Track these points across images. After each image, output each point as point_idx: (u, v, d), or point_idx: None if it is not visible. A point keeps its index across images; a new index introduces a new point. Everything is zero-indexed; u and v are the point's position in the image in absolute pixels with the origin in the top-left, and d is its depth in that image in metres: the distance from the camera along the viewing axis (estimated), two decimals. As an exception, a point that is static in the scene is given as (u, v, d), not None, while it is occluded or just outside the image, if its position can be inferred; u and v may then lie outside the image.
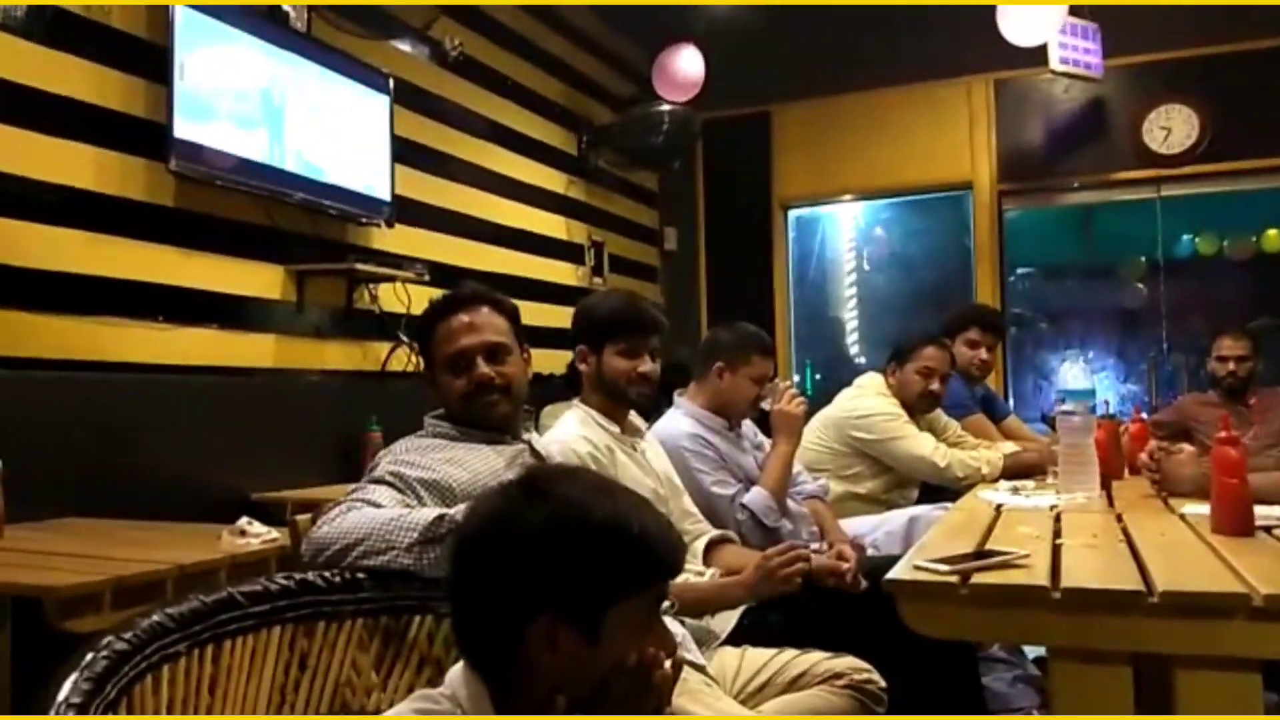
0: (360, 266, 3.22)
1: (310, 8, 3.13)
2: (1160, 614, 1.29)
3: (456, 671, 0.96)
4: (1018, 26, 4.06)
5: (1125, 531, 1.82)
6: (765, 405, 2.72)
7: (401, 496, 1.49)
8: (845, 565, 2.17)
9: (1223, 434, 1.76)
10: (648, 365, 2.13)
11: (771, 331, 5.51)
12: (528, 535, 0.93)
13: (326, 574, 1.35)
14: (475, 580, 0.95)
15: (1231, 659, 1.29)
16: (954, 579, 1.40)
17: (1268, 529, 1.75)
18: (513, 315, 1.74)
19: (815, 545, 2.71)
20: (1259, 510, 1.78)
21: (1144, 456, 2.41)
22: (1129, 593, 1.31)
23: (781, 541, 2.60)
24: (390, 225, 3.42)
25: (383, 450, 1.61)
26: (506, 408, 1.67)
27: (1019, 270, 5.87)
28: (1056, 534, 1.81)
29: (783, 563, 2.03)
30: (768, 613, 2.14)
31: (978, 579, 1.40)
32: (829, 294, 6.18)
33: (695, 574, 2.10)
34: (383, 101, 3.40)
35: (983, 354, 3.58)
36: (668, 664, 0.96)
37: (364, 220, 3.35)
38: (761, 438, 2.87)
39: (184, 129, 2.64)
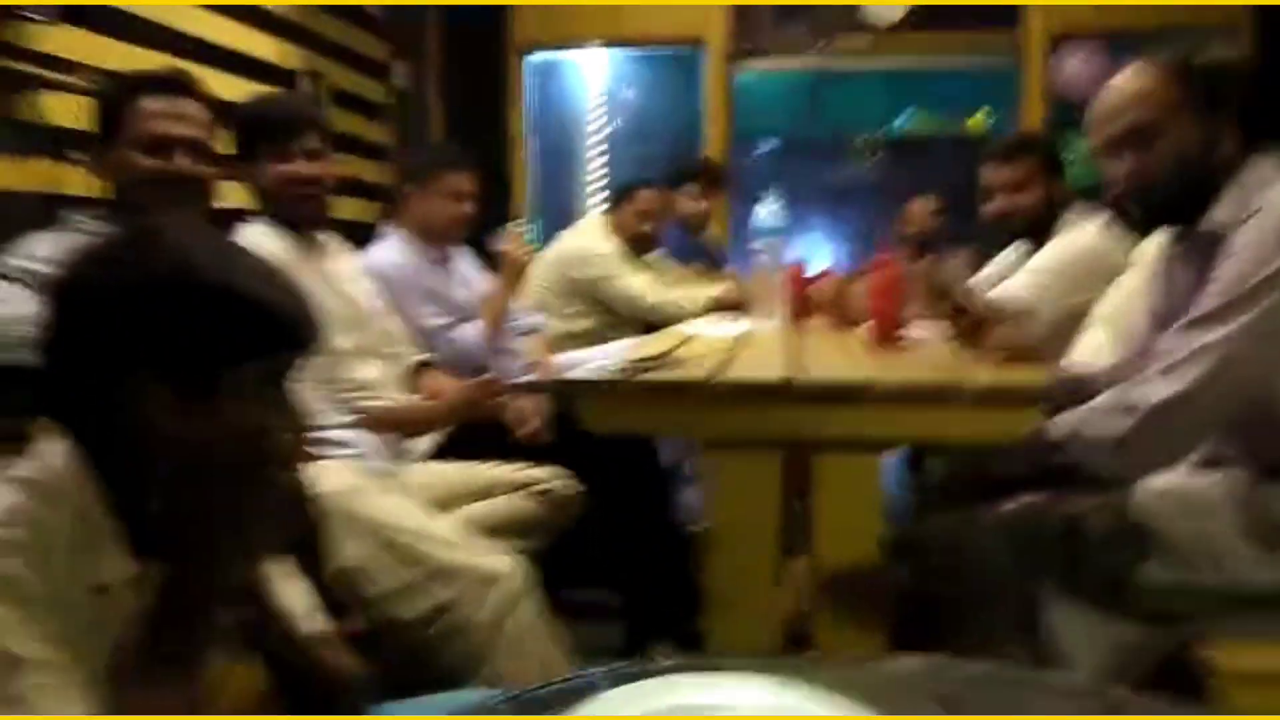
0: (17, 67, 2.79)
1: None
2: (799, 403, 1.42)
3: (47, 441, 0.88)
4: None
5: (794, 347, 1.97)
6: (493, 245, 2.69)
7: (26, 292, 1.34)
8: (532, 422, 2.23)
9: (878, 257, 1.93)
10: (310, 169, 1.92)
11: (508, 184, 5.42)
12: (122, 283, 0.85)
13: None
14: (64, 334, 0.86)
15: (858, 441, 1.45)
16: (621, 376, 1.46)
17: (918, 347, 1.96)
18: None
19: (525, 378, 2.76)
20: (917, 332, 1.98)
21: (823, 290, 2.60)
22: (773, 383, 1.43)
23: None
24: (56, 23, 2.98)
25: (17, 245, 1.43)
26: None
27: (752, 145, 6.08)
28: (732, 350, 1.94)
29: (486, 393, 2.04)
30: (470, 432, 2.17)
31: (644, 377, 1.47)
32: (570, 150, 6.14)
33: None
34: (42, -125, 2.90)
35: (701, 206, 3.71)
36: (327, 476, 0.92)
37: (23, 14, 2.89)
38: (476, 273, 2.84)
39: None
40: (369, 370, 2.02)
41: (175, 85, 1.54)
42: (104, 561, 0.85)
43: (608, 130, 6.18)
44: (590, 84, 6.13)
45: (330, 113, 4.57)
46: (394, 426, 1.99)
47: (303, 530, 0.94)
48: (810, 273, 2.99)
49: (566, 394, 1.51)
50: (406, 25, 5.29)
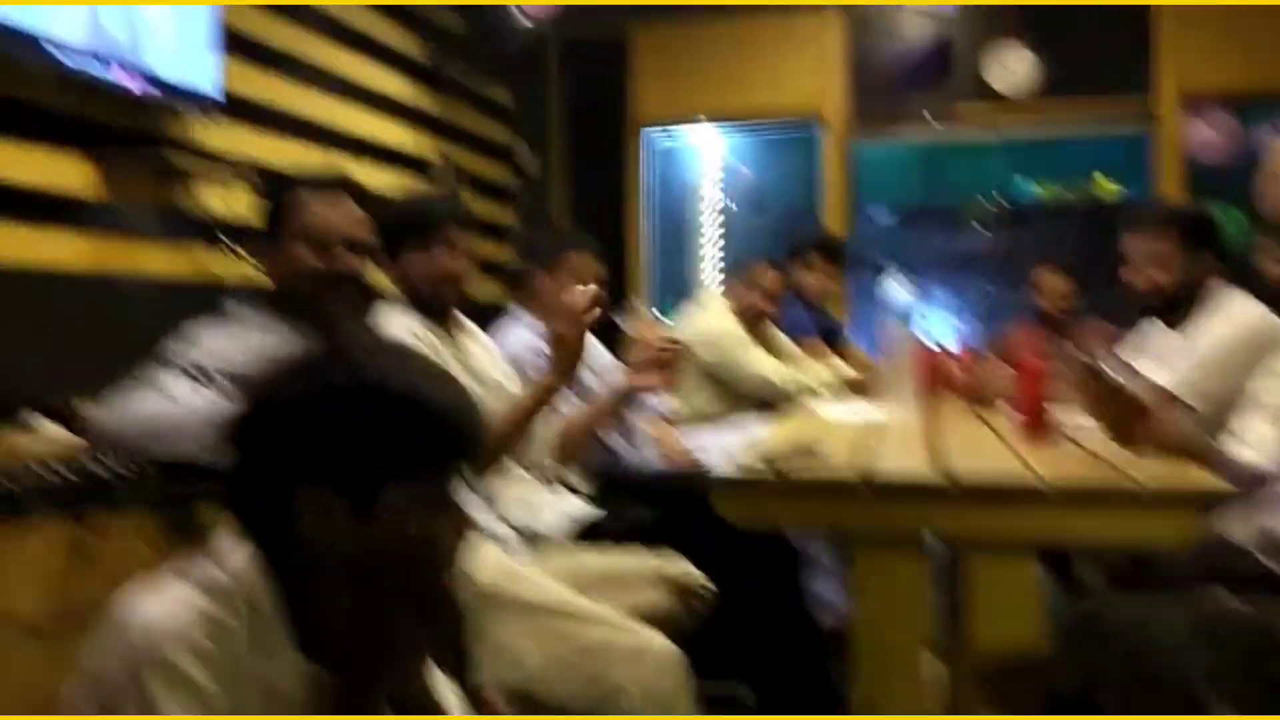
0: (179, 162, 3.00)
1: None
2: (954, 502, 1.36)
3: (228, 545, 0.91)
4: None
5: (936, 437, 1.90)
6: (621, 324, 2.71)
7: (197, 387, 1.40)
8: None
9: (1024, 339, 1.85)
10: (450, 261, 1.99)
11: (627, 257, 5.51)
12: (302, 399, 0.88)
13: (110, 463, 1.27)
14: (248, 446, 0.90)
15: (1017, 543, 1.37)
16: (768, 473, 1.43)
17: (1070, 439, 1.86)
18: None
19: (654, 460, 2.76)
20: (1066, 419, 1.89)
21: (957, 370, 2.52)
22: (926, 482, 1.37)
23: (617, 458, 2.62)
24: (216, 121, 3.19)
25: (184, 333, 1.51)
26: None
27: (867, 209, 6.03)
28: (872, 439, 1.88)
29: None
30: (601, 519, 2.16)
31: (789, 472, 1.43)
32: (687, 224, 6.20)
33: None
34: (209, -13, 3.14)
35: (820, 279, 3.68)
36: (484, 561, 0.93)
37: (184, 112, 3.12)
38: (606, 357, 2.86)
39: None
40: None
41: (338, 184, 1.62)
42: (277, 664, 0.86)
43: (724, 205, 6.22)
44: (707, 160, 6.19)
45: (462, 197, 4.76)
46: (519, 424, 1.97)
47: (458, 622, 0.94)
48: (941, 348, 2.91)
49: (704, 485, 1.48)
50: (531, 111, 5.49)
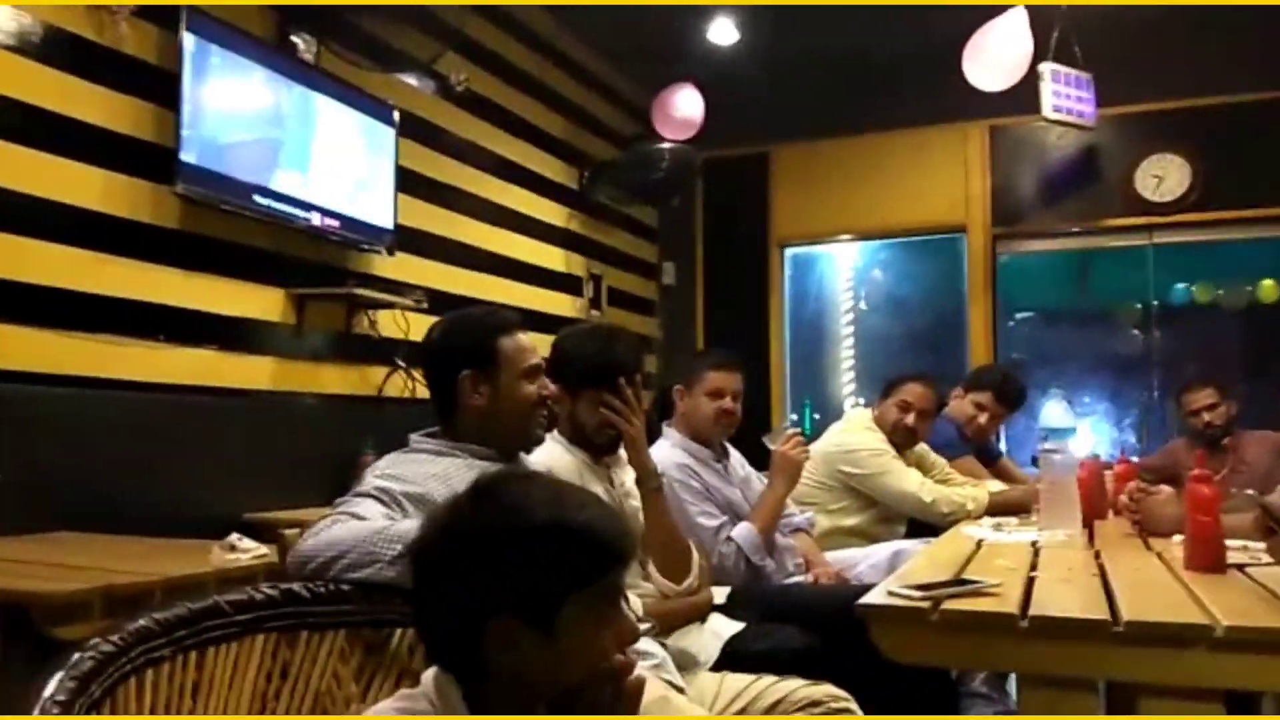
0: (360, 292, 3.27)
1: (319, 39, 3.21)
2: (1125, 643, 1.32)
3: (430, 673, 0.99)
4: (982, 73, 4.15)
5: (1100, 567, 1.85)
6: (767, 443, 2.76)
7: (387, 510, 1.52)
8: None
9: (1196, 471, 1.80)
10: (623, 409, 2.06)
11: (767, 370, 5.57)
12: (472, 538, 0.96)
13: (310, 585, 1.38)
14: (430, 586, 0.99)
15: (1194, 689, 1.32)
16: (925, 604, 1.43)
17: (1240, 566, 1.78)
18: None
19: (800, 577, 2.75)
20: (1234, 545, 1.81)
21: (1124, 496, 2.44)
22: (1095, 621, 1.34)
23: (766, 578, 2.64)
24: (391, 253, 3.48)
25: (370, 466, 1.64)
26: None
27: (1015, 315, 5.92)
28: (1033, 568, 1.84)
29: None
30: (750, 642, 2.17)
31: (949, 605, 1.43)
32: (826, 334, 6.22)
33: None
34: (389, 133, 3.47)
35: (982, 419, 3.60)
36: (638, 669, 0.99)
37: (365, 247, 3.41)
38: (750, 470, 2.90)
39: (190, 153, 2.71)
40: (646, 574, 2.12)
41: (516, 324, 1.76)
42: None
43: (862, 313, 6.23)
44: (847, 271, 6.24)
45: (609, 311, 4.96)
46: (667, 622, 2.04)
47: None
48: (1103, 466, 2.81)
49: (856, 610, 1.49)
50: (676, 230, 5.70)
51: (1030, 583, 1.64)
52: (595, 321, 4.53)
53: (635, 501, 2.07)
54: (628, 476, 2.15)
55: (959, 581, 1.57)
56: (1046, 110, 4.44)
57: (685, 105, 4.69)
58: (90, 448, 2.50)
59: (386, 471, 1.62)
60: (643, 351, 2.22)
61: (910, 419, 3.22)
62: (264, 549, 2.04)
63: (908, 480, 3.13)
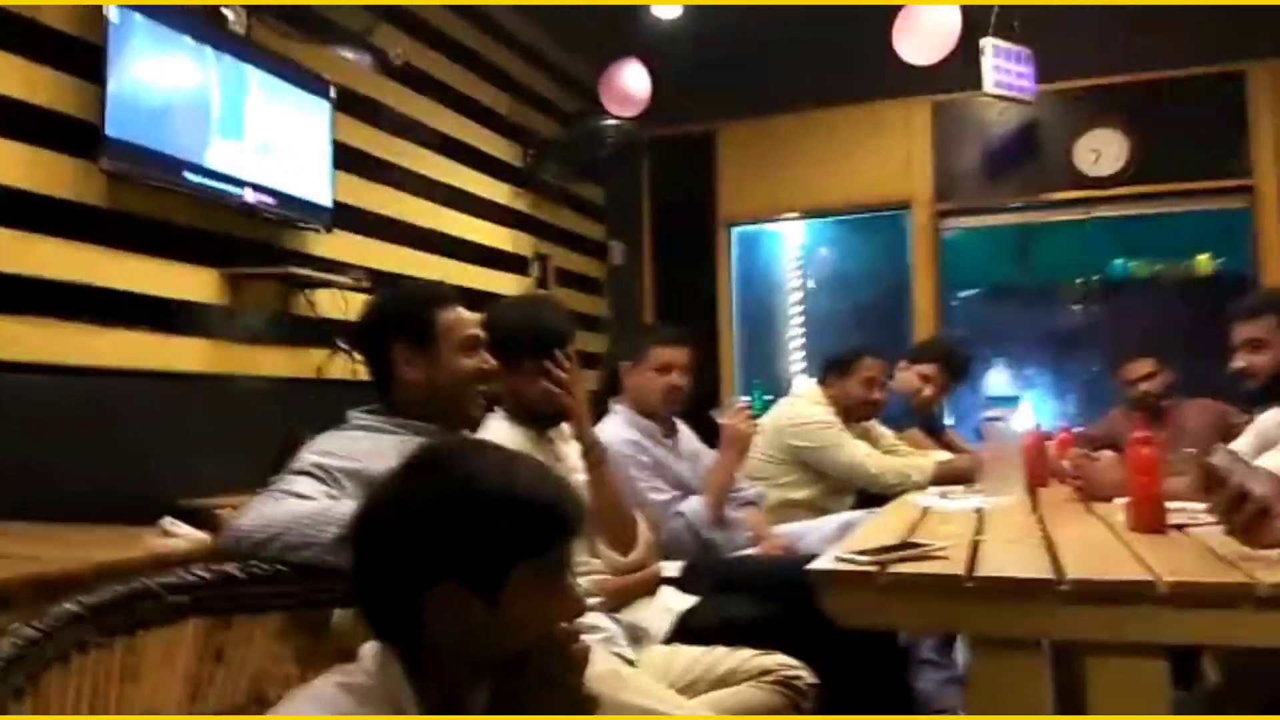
0: (297, 271, 3.19)
1: (250, 10, 3.11)
2: (1070, 601, 1.33)
3: (369, 647, 0.97)
4: (912, 47, 4.18)
5: (1044, 530, 1.87)
6: (716, 417, 2.76)
7: (325, 488, 1.48)
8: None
9: (1137, 434, 1.82)
10: (561, 376, 2.03)
11: (716, 350, 5.57)
12: (417, 505, 0.95)
13: (245, 566, 1.34)
14: (372, 554, 0.96)
15: (1138, 645, 1.34)
16: (873, 568, 1.43)
17: (1180, 527, 1.81)
18: None
19: (749, 550, 2.75)
20: (1174, 507, 1.84)
21: (1065, 462, 2.48)
22: (1040, 580, 1.35)
23: (716, 552, 2.64)
24: (329, 231, 3.40)
25: (308, 442, 1.60)
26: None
27: (958, 293, 5.99)
28: (978, 532, 1.86)
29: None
30: (702, 614, 2.17)
31: (896, 569, 1.43)
32: (774, 312, 6.23)
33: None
34: (324, 107, 3.38)
35: (928, 391, 3.63)
36: (585, 639, 0.97)
37: (302, 225, 3.33)
38: (699, 445, 2.90)
39: (116, 128, 2.61)
40: (594, 549, 2.11)
41: (453, 298, 1.72)
42: None
43: (810, 291, 6.25)
44: (793, 248, 6.25)
45: (556, 291, 4.92)
46: (617, 598, 2.04)
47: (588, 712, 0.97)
48: (1045, 435, 2.85)
49: (805, 578, 1.48)
50: (622, 210, 5.67)
51: (976, 546, 1.65)
52: (523, 294, 4.48)
53: (580, 476, 2.05)
54: (571, 450, 2.12)
55: (906, 545, 1.58)
56: (988, 85, 4.48)
57: (631, 81, 4.65)
58: (15, 433, 2.40)
59: (323, 448, 1.58)
60: (573, 320, 2.21)
61: (876, 393, 3.26)
62: (201, 534, 1.98)
63: (856, 452, 3.16)
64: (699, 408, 2.90)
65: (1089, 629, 1.34)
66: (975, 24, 4.26)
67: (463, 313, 1.72)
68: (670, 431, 2.81)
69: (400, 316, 1.70)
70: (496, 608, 0.91)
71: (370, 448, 1.56)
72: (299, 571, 1.35)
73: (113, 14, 2.59)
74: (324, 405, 2.41)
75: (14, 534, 2.16)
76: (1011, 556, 1.61)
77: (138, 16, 2.67)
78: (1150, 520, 1.78)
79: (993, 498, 2.32)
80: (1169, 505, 1.83)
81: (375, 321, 1.72)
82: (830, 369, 3.33)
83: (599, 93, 4.75)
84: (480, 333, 1.73)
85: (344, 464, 1.52)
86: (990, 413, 2.54)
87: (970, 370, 3.83)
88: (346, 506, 1.38)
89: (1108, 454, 2.54)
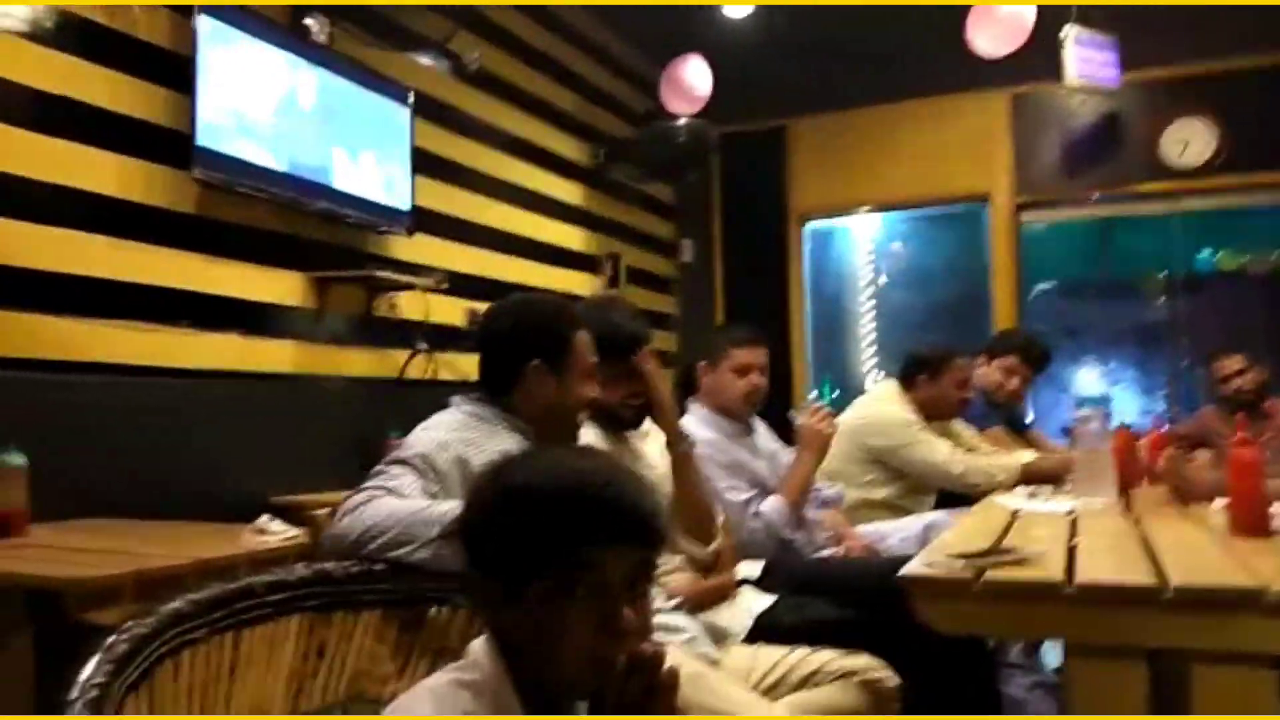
0: (379, 274, 3.26)
1: (332, 20, 3.18)
2: (1174, 609, 1.29)
3: (478, 644, 0.98)
4: (986, 39, 4.07)
5: (1142, 534, 1.82)
6: (792, 418, 2.74)
7: (425, 483, 1.51)
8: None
9: (1238, 435, 1.76)
10: (638, 384, 2.06)
11: (787, 345, 5.53)
12: (510, 494, 0.95)
13: (344, 565, 1.37)
14: (475, 550, 0.97)
15: (1246, 654, 1.29)
16: (967, 574, 1.40)
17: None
18: None
19: (829, 551, 2.73)
20: (1277, 511, 1.78)
21: (1161, 463, 2.40)
22: (1143, 587, 1.31)
23: (795, 552, 2.62)
24: (410, 234, 3.46)
25: (414, 433, 1.62)
26: None
27: (1038, 286, 5.86)
28: (1072, 535, 1.81)
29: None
30: (783, 614, 2.15)
31: (991, 574, 1.40)
32: (846, 308, 6.17)
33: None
34: (403, 113, 3.44)
35: (1011, 384, 3.56)
36: (668, 661, 0.96)
37: (383, 229, 3.40)
38: (776, 444, 2.88)
39: (206, 138, 2.69)
40: (674, 544, 2.11)
41: (581, 319, 1.76)
42: None
43: (883, 286, 6.17)
44: (868, 245, 6.18)
45: (628, 290, 4.94)
46: (695, 600, 2.04)
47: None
48: (1137, 434, 2.76)
49: (892, 582, 1.46)
50: (693, 208, 5.66)
51: (1072, 550, 1.61)
52: (591, 297, 4.50)
53: (655, 472, 2.06)
54: (650, 449, 2.13)
55: (999, 550, 1.54)
56: (1070, 75, 4.35)
57: (693, 77, 4.61)
58: (117, 434, 2.50)
59: (432, 437, 1.60)
60: (643, 319, 2.22)
61: (969, 393, 3.22)
62: (294, 530, 2.04)
63: (937, 451, 3.11)
64: (772, 405, 2.88)
65: (1194, 637, 1.30)
66: (1056, 13, 4.14)
67: (587, 337, 1.73)
68: (748, 431, 2.80)
69: (544, 334, 1.70)
70: (573, 606, 0.91)
71: (477, 434, 1.59)
72: (396, 570, 1.37)
73: (202, 25, 2.68)
74: (405, 405, 2.48)
75: (115, 530, 2.25)
76: (1110, 562, 1.56)
77: (225, 27, 2.75)
78: (1253, 524, 1.72)
79: (1084, 499, 2.26)
80: (1272, 510, 1.76)
81: (512, 333, 1.72)
82: (917, 370, 3.26)
83: (661, 89, 4.74)
84: (596, 359, 1.74)
85: (449, 454, 1.55)
86: (1080, 412, 2.47)
87: (1050, 360, 3.73)
88: (447, 506, 1.41)
89: (1203, 453, 2.46)
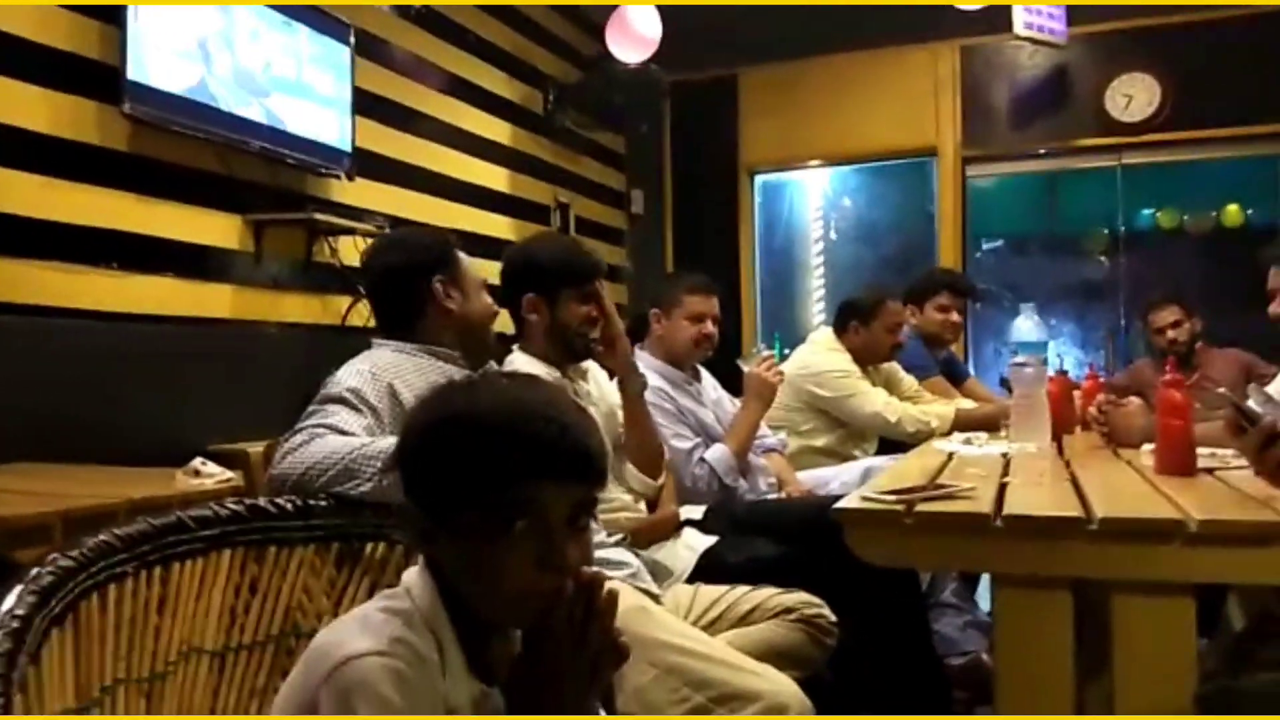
0: (319, 217, 3.19)
1: (269, -48, 3.07)
2: (1098, 540, 1.33)
3: (412, 573, 0.97)
4: None
5: (1072, 473, 1.86)
6: (741, 365, 2.75)
7: (363, 419, 1.49)
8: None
9: (1167, 377, 1.80)
10: (594, 311, 2.07)
11: (738, 298, 5.54)
12: (449, 421, 0.94)
13: (278, 500, 1.35)
14: (410, 480, 0.96)
15: (1167, 584, 1.34)
16: (899, 507, 1.43)
17: (1209, 470, 1.80)
18: None
19: (772, 496, 2.76)
20: (1203, 453, 1.83)
21: (1093, 409, 2.46)
22: (1069, 519, 1.35)
23: (738, 498, 2.65)
24: (351, 178, 3.39)
25: (342, 370, 1.61)
26: None
27: (982, 243, 5.92)
28: (1004, 475, 1.85)
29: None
30: (724, 553, 2.18)
31: (922, 508, 1.43)
32: (796, 261, 6.19)
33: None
34: (344, 52, 3.35)
35: (953, 317, 3.64)
36: (610, 576, 0.96)
37: (323, 171, 3.32)
38: (721, 392, 2.90)
39: (137, 71, 2.59)
40: (621, 488, 2.13)
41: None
42: (455, 685, 0.92)
43: (832, 240, 6.20)
44: (817, 196, 6.20)
45: (575, 238, 4.89)
46: (639, 536, 2.06)
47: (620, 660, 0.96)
48: (1068, 378, 2.83)
49: (829, 520, 1.49)
50: (643, 158, 5.61)
51: (1003, 488, 1.65)
52: (546, 231, 4.47)
53: (597, 408, 2.07)
54: (591, 386, 2.14)
55: (932, 487, 1.57)
56: (1018, 27, 4.38)
57: (640, 23, 4.53)
58: (48, 378, 2.43)
59: (357, 368, 1.60)
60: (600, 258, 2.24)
61: (901, 336, 3.25)
62: (229, 474, 2.01)
63: (873, 400, 3.15)
64: (720, 355, 2.89)
65: (1118, 568, 1.34)
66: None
67: (464, 255, 1.81)
68: (694, 378, 2.81)
69: (433, 251, 1.76)
70: (510, 541, 0.90)
71: (405, 368, 1.60)
72: (330, 505, 1.36)
73: (131, -45, 2.57)
74: (347, 352, 2.44)
75: (45, 474, 2.20)
76: (1039, 497, 1.60)
77: (156, -42, 2.65)
78: (1180, 463, 1.77)
79: (1019, 443, 2.31)
80: (1198, 451, 1.81)
81: (410, 259, 1.75)
82: (850, 316, 3.29)
83: (607, 34, 4.66)
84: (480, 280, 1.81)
85: (378, 385, 1.55)
86: (1016, 359, 2.51)
87: (975, 287, 3.82)
88: (390, 441, 1.40)
89: (1135, 400, 2.52)
